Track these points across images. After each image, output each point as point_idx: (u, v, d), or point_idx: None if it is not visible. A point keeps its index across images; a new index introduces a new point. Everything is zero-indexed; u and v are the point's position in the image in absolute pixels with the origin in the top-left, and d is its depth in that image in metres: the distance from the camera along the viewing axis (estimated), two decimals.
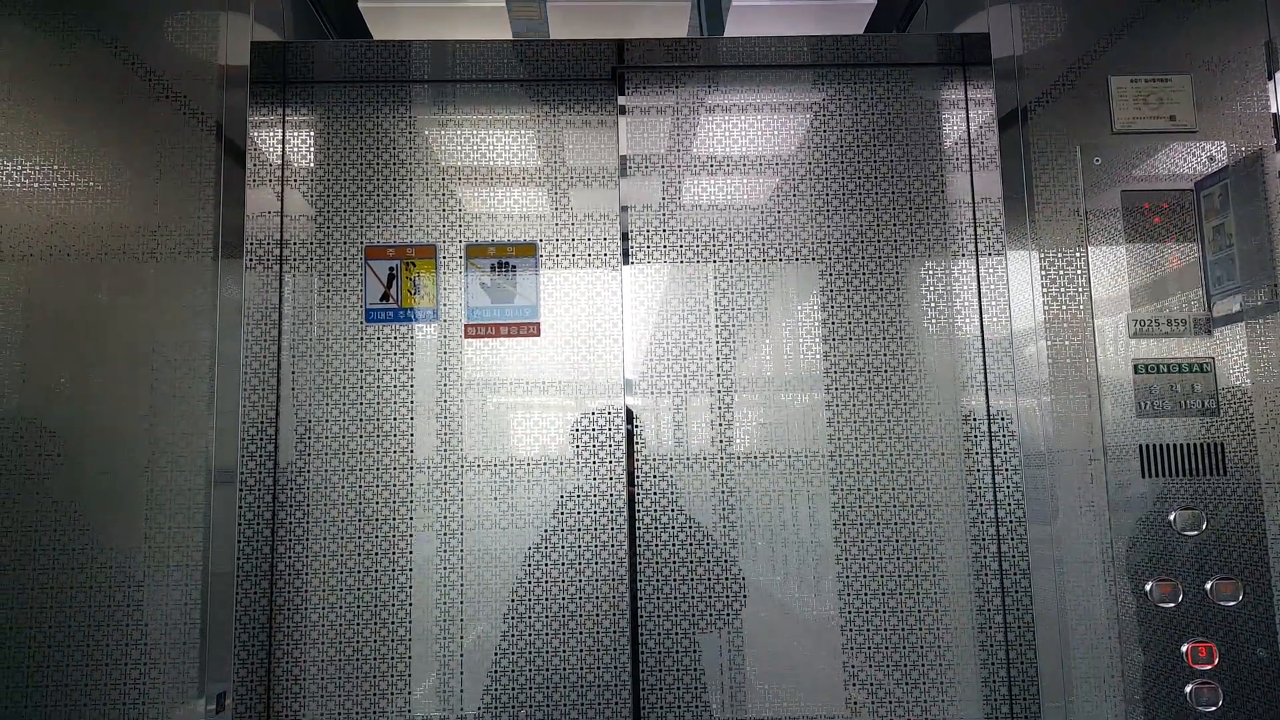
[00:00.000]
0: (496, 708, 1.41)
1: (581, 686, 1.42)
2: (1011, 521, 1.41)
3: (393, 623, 1.43)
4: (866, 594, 1.43)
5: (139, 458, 1.25)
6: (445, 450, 1.46)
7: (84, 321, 1.28)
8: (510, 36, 1.68)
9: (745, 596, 1.42)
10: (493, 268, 1.50)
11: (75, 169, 1.31)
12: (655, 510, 1.43)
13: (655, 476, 1.44)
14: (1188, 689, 1.21)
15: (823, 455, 1.46)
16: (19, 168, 1.30)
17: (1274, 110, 1.34)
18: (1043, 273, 1.32)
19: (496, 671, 1.42)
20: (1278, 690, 1.21)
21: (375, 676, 1.41)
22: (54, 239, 1.29)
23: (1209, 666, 1.22)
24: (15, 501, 1.23)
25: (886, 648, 1.42)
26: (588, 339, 1.50)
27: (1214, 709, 1.21)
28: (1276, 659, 1.22)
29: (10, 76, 1.31)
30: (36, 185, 1.30)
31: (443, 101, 1.55)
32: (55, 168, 1.30)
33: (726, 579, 1.42)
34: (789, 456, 1.46)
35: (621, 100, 1.53)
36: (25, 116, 1.31)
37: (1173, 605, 1.23)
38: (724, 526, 1.44)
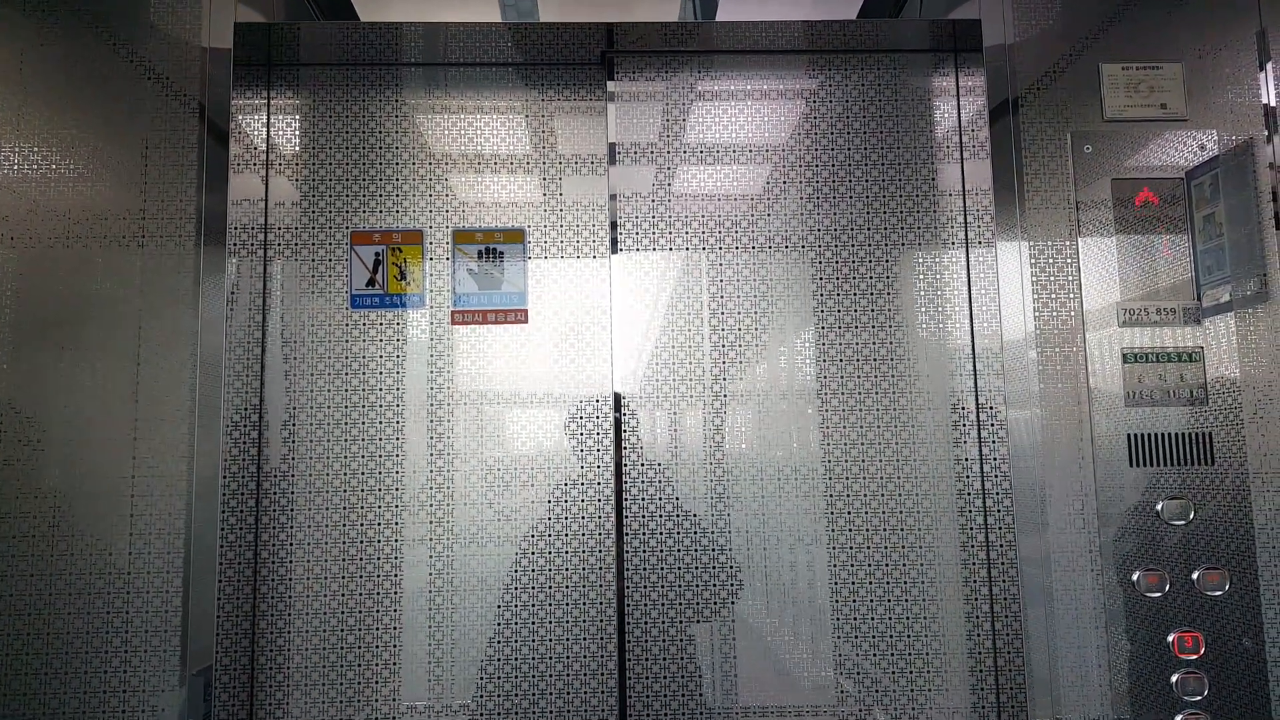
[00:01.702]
0: (482, 697, 1.40)
1: (569, 675, 1.41)
2: (1000, 510, 1.41)
3: (379, 611, 1.42)
4: (855, 583, 1.42)
5: (122, 445, 1.24)
6: (432, 437, 1.45)
7: (66, 308, 1.26)
8: (499, 20, 1.66)
9: (739, 587, 1.42)
10: (480, 254, 1.49)
11: (56, 152, 1.29)
12: (644, 499, 1.43)
13: (644, 465, 1.44)
14: (1174, 678, 1.21)
15: (814, 444, 1.45)
16: (15, 153, 1.28)
17: (1265, 100, 1.33)
18: (1032, 262, 1.31)
19: (484, 660, 1.41)
20: (1263, 679, 1.21)
21: (361, 666, 1.41)
22: (34, 224, 1.27)
23: (1195, 656, 1.22)
24: None
25: (875, 637, 1.41)
26: (576, 327, 1.48)
27: (1199, 698, 1.21)
28: (1262, 648, 1.22)
29: (7, 65, 1.29)
30: (15, 169, 1.28)
31: (430, 85, 1.53)
32: (35, 150, 1.28)
33: (716, 568, 1.42)
34: (780, 446, 1.45)
35: (611, 86, 1.51)
36: (5, 99, 1.28)
37: (1159, 595, 1.23)
38: (714, 516, 1.43)
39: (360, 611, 1.41)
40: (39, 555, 1.21)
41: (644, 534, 1.42)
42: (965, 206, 1.48)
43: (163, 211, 1.28)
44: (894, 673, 1.41)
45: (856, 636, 1.42)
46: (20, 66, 1.29)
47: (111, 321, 1.26)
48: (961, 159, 1.49)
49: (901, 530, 1.43)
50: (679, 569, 1.41)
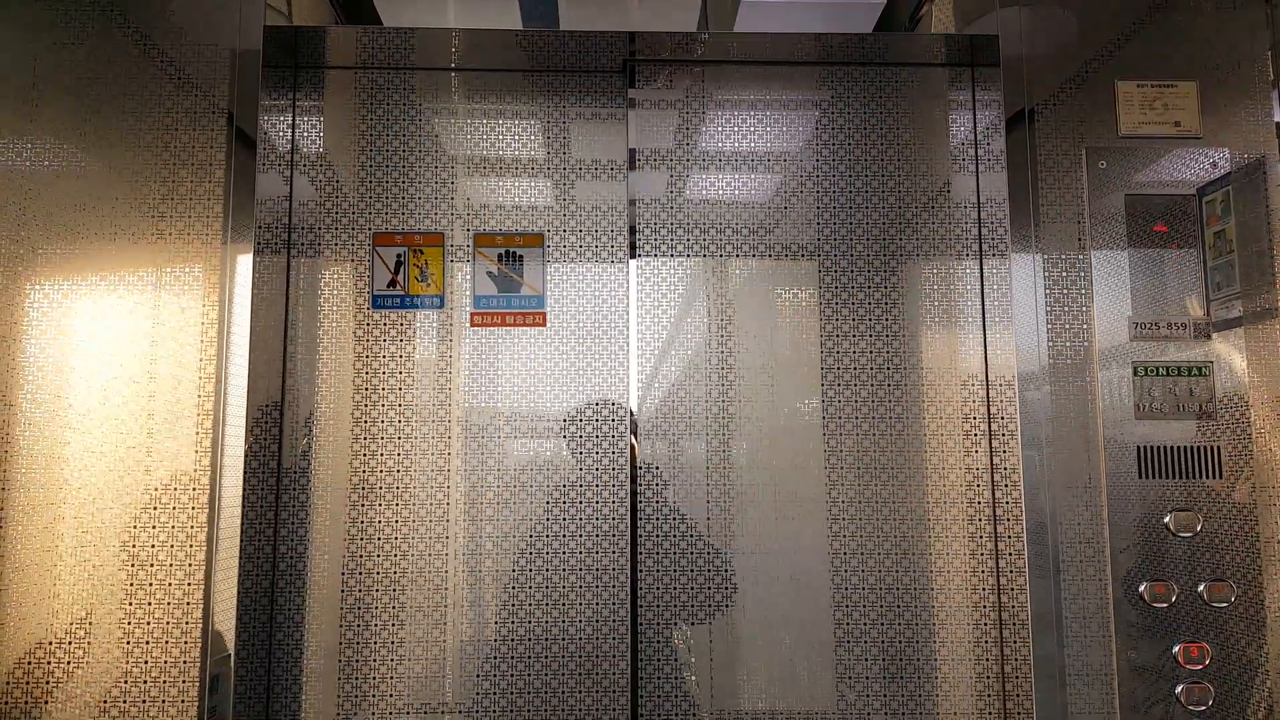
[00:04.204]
0: (495, 694, 1.42)
1: (580, 674, 1.43)
2: (1009, 519, 1.43)
3: (395, 607, 1.43)
4: (864, 588, 1.44)
5: (140, 439, 1.25)
6: (448, 436, 1.47)
7: (91, 303, 1.28)
8: (521, 27, 1.68)
9: (735, 591, 1.43)
10: (500, 257, 1.51)
11: (82, 149, 1.31)
12: (658, 502, 1.44)
13: (656, 469, 1.45)
14: (1179, 689, 1.23)
15: (819, 453, 1.47)
16: (30, 147, 1.30)
17: (1277, 118, 1.35)
18: (1046, 274, 1.33)
19: (498, 658, 1.43)
20: (1265, 690, 1.23)
21: (375, 662, 1.42)
22: (59, 219, 1.29)
23: (1200, 667, 1.23)
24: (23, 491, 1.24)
25: (883, 642, 1.43)
26: (594, 330, 1.50)
27: (1204, 709, 1.22)
28: (1265, 659, 1.23)
29: (22, 58, 1.31)
30: (42, 164, 1.30)
31: (452, 90, 1.55)
32: (63, 147, 1.30)
33: (729, 572, 1.43)
34: (786, 453, 1.47)
35: (632, 93, 1.53)
36: (36, 98, 1.30)
37: (1166, 605, 1.25)
38: (725, 521, 1.45)
39: (377, 607, 1.43)
40: (62, 548, 1.23)
41: (657, 535, 1.43)
42: (980, 218, 1.50)
43: (190, 210, 1.30)
44: (901, 678, 1.42)
45: (866, 642, 1.43)
46: (48, 65, 1.31)
47: (135, 317, 1.28)
48: (977, 170, 1.51)
49: (909, 538, 1.45)
50: (691, 572, 1.43)
